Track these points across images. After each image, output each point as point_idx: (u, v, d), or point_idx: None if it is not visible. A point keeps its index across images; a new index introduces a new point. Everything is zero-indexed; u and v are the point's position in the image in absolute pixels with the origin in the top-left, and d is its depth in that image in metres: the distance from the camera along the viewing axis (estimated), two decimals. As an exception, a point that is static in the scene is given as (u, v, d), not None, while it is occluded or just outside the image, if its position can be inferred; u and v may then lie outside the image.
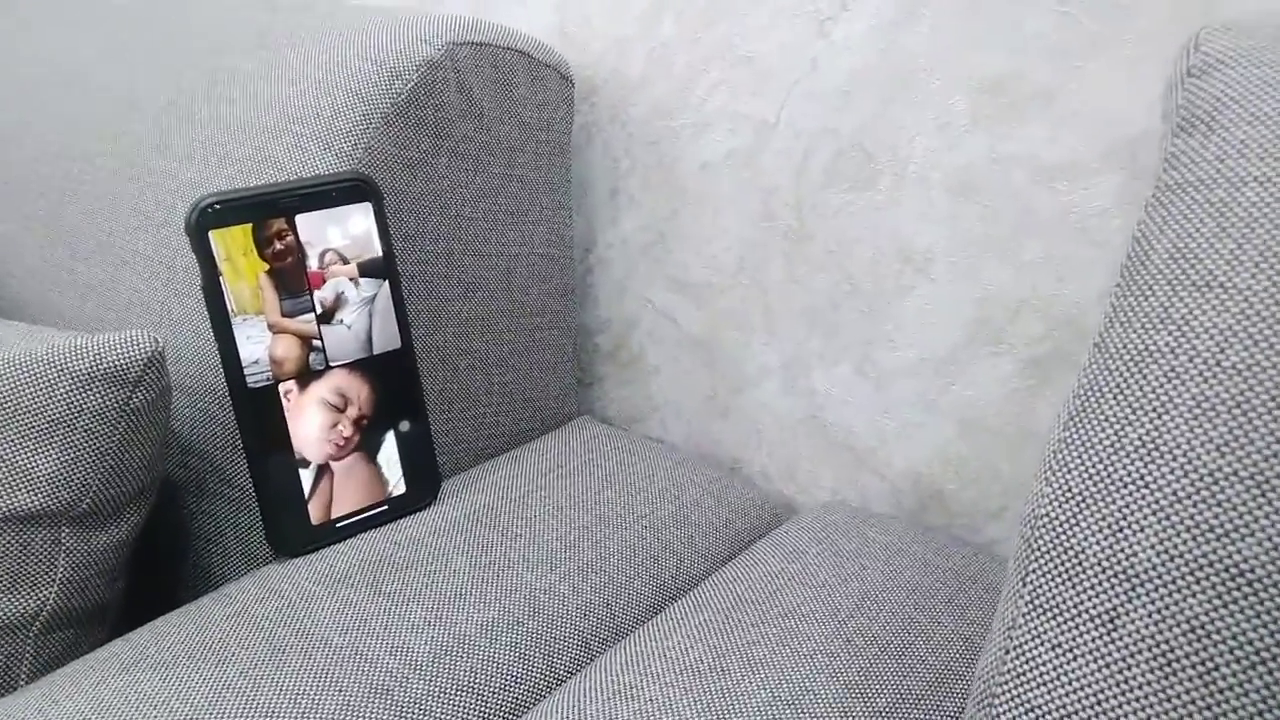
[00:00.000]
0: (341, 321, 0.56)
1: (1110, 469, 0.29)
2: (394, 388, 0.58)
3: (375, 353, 0.58)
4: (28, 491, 0.49)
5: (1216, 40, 0.34)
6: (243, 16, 0.69)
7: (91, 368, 0.48)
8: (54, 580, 0.51)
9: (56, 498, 0.49)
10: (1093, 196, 0.53)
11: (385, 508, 0.59)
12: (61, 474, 0.49)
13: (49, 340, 0.48)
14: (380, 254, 0.57)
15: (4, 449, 0.48)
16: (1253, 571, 0.26)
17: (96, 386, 0.48)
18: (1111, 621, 0.28)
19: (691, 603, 0.52)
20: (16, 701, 0.46)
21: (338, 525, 0.57)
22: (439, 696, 0.48)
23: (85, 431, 0.49)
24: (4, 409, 0.48)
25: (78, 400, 0.48)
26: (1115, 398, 0.30)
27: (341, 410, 0.57)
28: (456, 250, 0.63)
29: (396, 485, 0.59)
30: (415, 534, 0.58)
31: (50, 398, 0.48)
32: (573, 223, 0.74)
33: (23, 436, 0.48)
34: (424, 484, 0.60)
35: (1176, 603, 0.27)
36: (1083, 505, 0.30)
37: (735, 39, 0.64)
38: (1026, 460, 0.59)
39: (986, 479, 0.61)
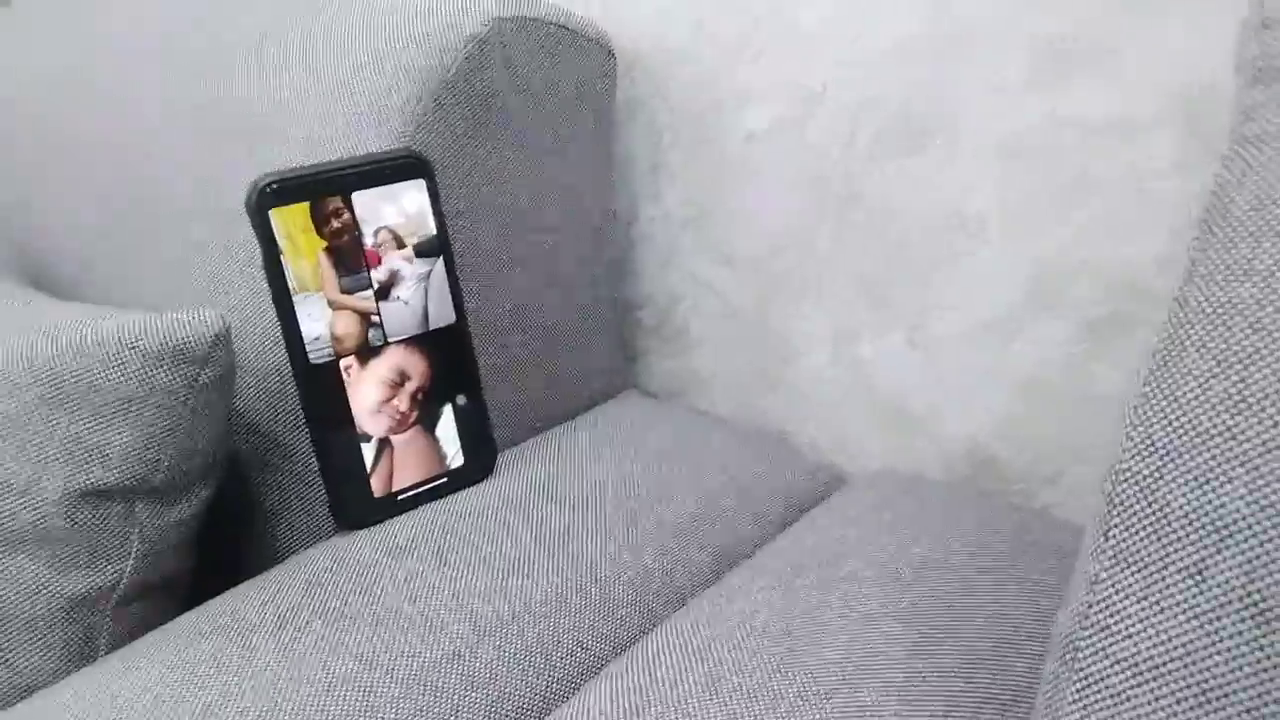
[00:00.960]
0: (398, 298, 0.57)
1: (1195, 422, 0.30)
2: (450, 362, 0.59)
3: (431, 328, 0.58)
4: (103, 468, 0.50)
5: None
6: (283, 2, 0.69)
7: (161, 345, 0.49)
8: (130, 554, 0.52)
9: (130, 473, 0.51)
10: (1151, 156, 0.52)
11: (444, 480, 0.60)
12: (135, 450, 0.50)
13: (119, 319, 0.49)
14: (434, 230, 0.57)
15: (79, 427, 0.49)
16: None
17: (166, 364, 0.49)
18: (1200, 573, 0.29)
19: (753, 568, 0.53)
20: (99, 670, 0.48)
21: (399, 498, 0.58)
22: (508, 662, 0.48)
23: (156, 408, 0.50)
24: (77, 388, 0.49)
25: (149, 378, 0.49)
26: (1199, 351, 0.30)
27: (399, 385, 0.58)
28: (505, 225, 0.64)
29: (454, 458, 0.60)
30: (475, 505, 0.58)
31: (122, 376, 0.49)
32: (616, 196, 0.75)
33: (96, 414, 0.49)
34: (481, 457, 0.61)
35: (1269, 553, 0.27)
36: (1167, 458, 0.30)
37: (780, 6, 0.64)
38: (1084, 424, 0.59)
39: (1042, 444, 0.61)
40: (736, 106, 0.68)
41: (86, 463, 0.50)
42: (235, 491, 0.61)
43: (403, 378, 0.58)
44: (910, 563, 0.51)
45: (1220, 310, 0.30)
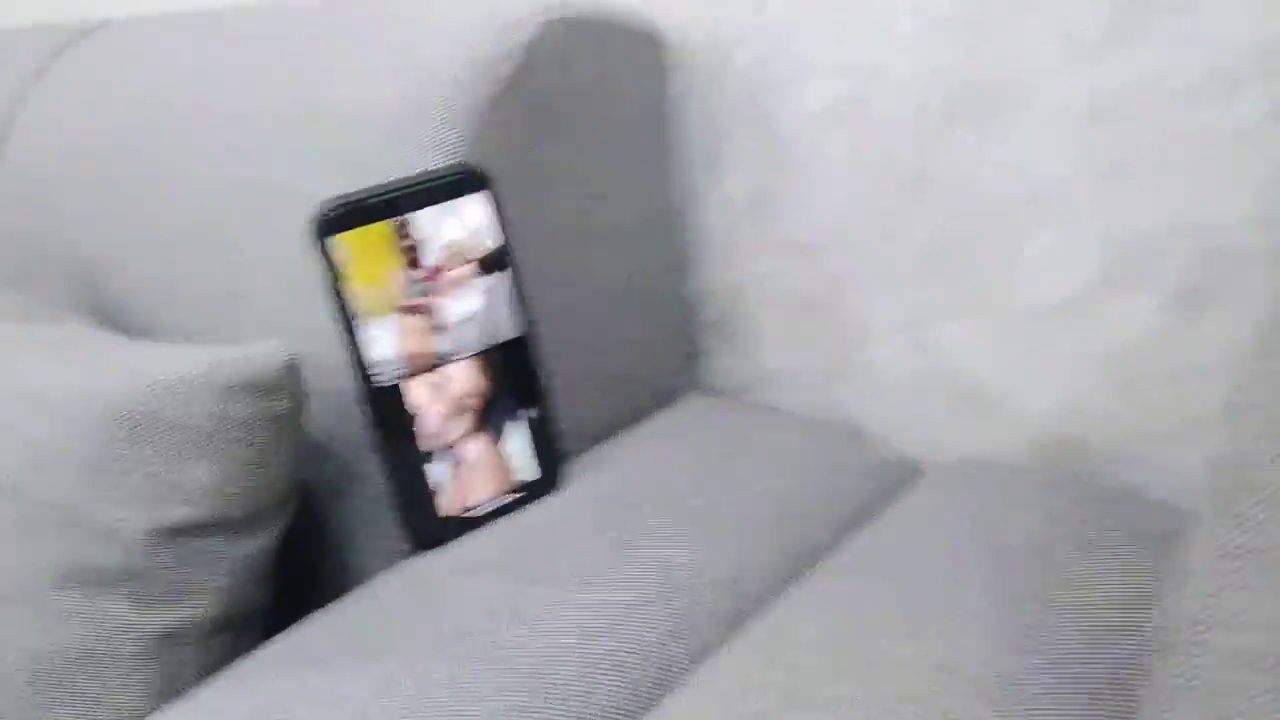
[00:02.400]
0: (463, 314, 0.56)
1: (1312, 403, 0.27)
2: (515, 376, 0.59)
3: (497, 342, 0.58)
4: (181, 505, 0.51)
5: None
6: (325, 20, 0.70)
7: (231, 379, 0.50)
8: (212, 587, 0.53)
9: (209, 508, 0.51)
10: (1237, 113, 0.49)
11: (514, 495, 0.59)
12: (212, 485, 0.51)
13: (189, 355, 0.50)
14: (496, 244, 0.57)
15: (156, 465, 0.50)
16: None
17: (239, 397, 0.50)
18: (1326, 565, 0.27)
19: (828, 571, 0.51)
20: (191, 704, 0.48)
21: (469, 515, 0.58)
22: (589, 677, 0.48)
23: (232, 442, 0.50)
24: (153, 427, 0.50)
25: (224, 412, 0.50)
26: (1312, 325, 0.28)
27: (466, 402, 0.57)
28: (562, 232, 0.63)
29: (522, 472, 0.60)
30: (545, 519, 0.58)
31: (196, 412, 0.50)
32: (673, 190, 0.73)
33: (174, 451, 0.50)
34: (548, 469, 0.61)
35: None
36: (1281, 443, 0.28)
37: (828, -13, 0.62)
38: (1174, 400, 0.56)
39: (1130, 423, 0.58)
40: (794, 86, 0.66)
41: (165, 501, 0.50)
42: (306, 519, 0.62)
43: (469, 395, 0.57)
44: (993, 556, 0.49)
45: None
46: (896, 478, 0.66)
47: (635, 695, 0.48)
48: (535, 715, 0.46)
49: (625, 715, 0.48)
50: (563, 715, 0.46)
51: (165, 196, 0.73)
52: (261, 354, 0.51)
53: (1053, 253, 0.58)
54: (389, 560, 0.60)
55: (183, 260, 0.72)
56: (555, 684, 0.47)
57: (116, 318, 0.77)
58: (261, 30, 0.74)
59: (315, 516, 0.62)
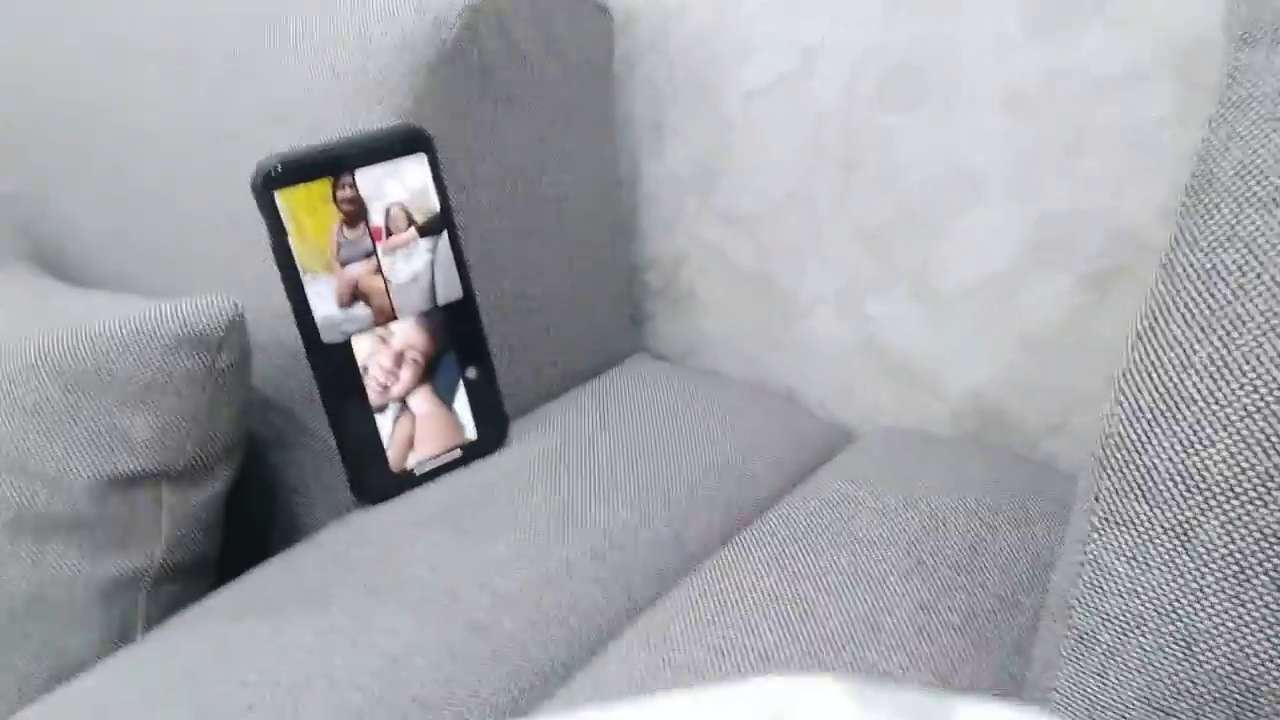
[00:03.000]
0: (406, 274, 0.58)
1: (1180, 387, 0.30)
2: (459, 336, 0.60)
3: (439, 303, 0.59)
4: (128, 454, 0.52)
5: (1281, -54, 0.33)
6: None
7: (178, 333, 0.50)
8: (160, 536, 0.54)
9: (155, 459, 0.52)
10: (1150, 107, 0.52)
11: (459, 452, 0.61)
12: (158, 436, 0.52)
13: (136, 308, 0.51)
14: (438, 205, 0.58)
15: (104, 415, 0.51)
16: (1325, 481, 0.27)
17: (184, 350, 0.51)
18: (1185, 533, 0.30)
19: (762, 530, 0.54)
20: (139, 651, 0.50)
21: (416, 471, 0.60)
22: (530, 630, 0.50)
23: (176, 394, 0.51)
24: (100, 377, 0.50)
25: (168, 365, 0.51)
26: (1183, 318, 0.31)
27: (412, 361, 0.59)
28: (508, 195, 0.64)
29: (469, 430, 0.61)
30: (491, 476, 0.60)
31: (142, 364, 0.50)
32: (618, 158, 0.75)
33: (120, 402, 0.51)
34: (494, 428, 0.63)
35: (1249, 513, 0.28)
36: (1153, 423, 0.31)
37: (775, -35, 0.63)
38: (1087, 375, 0.59)
39: (1046, 395, 0.61)
40: (736, 62, 0.68)
41: (112, 450, 0.51)
42: (255, 471, 0.63)
43: (413, 353, 0.59)
44: (917, 520, 0.52)
45: (1204, 276, 0.30)
46: (830, 443, 0.69)
47: (573, 647, 0.51)
48: (474, 665, 0.48)
49: (563, 666, 0.50)
50: (502, 663, 0.49)
51: (112, 146, 0.73)
52: (207, 307, 0.52)
53: (977, 233, 0.61)
54: (337, 513, 0.61)
55: (130, 211, 0.71)
56: (495, 637, 0.49)
57: (61, 267, 0.76)
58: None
59: (264, 469, 0.63)
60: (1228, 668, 0.29)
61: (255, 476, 0.63)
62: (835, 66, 0.63)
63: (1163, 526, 0.30)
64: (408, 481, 0.59)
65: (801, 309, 0.72)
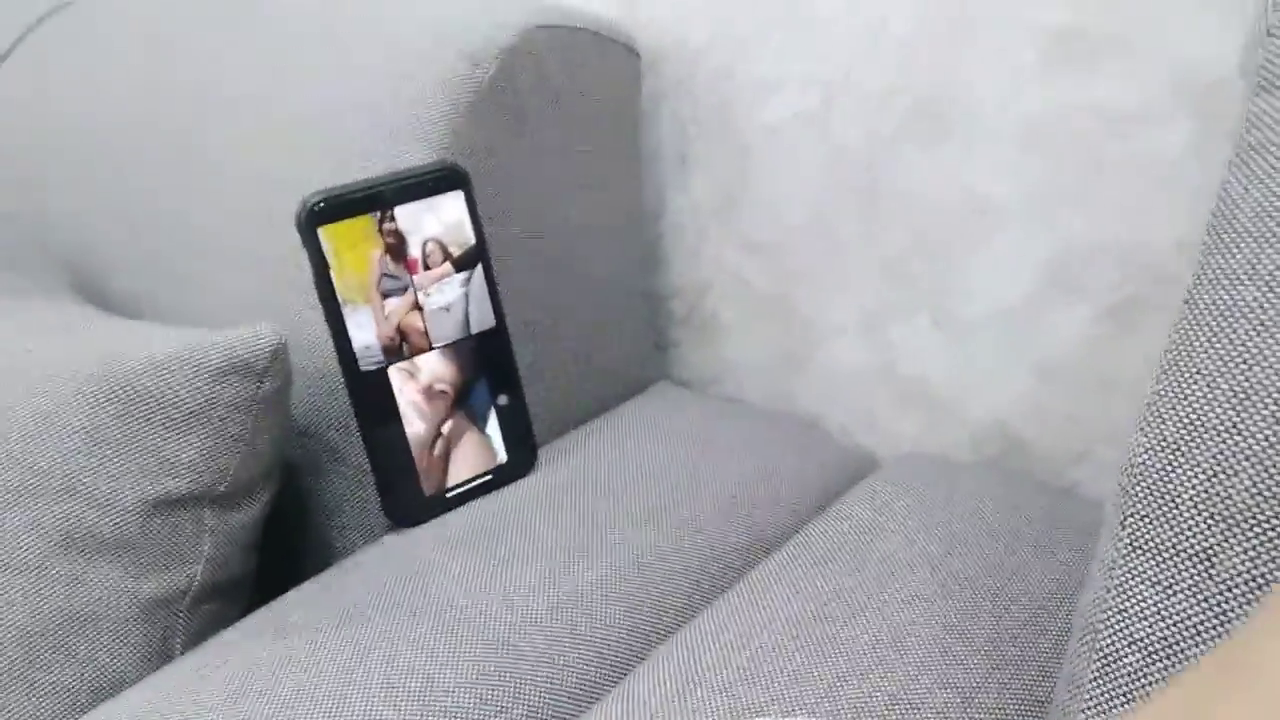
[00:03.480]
0: (441, 305, 0.59)
1: (1204, 418, 0.31)
2: (491, 364, 0.62)
3: (473, 332, 0.61)
4: (174, 478, 0.53)
5: (1296, -4, 0.35)
6: (309, 15, 0.72)
7: (224, 362, 0.52)
8: (200, 557, 0.55)
9: (199, 482, 0.54)
10: (1166, 144, 0.54)
11: (490, 477, 0.63)
12: (202, 460, 0.53)
13: (183, 337, 0.52)
14: (473, 239, 0.60)
15: (151, 440, 0.52)
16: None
17: (229, 379, 0.52)
18: (1209, 559, 0.31)
19: (788, 555, 0.55)
20: (179, 669, 0.51)
21: (448, 495, 0.61)
22: (559, 650, 0.51)
23: (221, 420, 0.53)
24: (148, 403, 0.52)
25: (213, 392, 0.52)
26: (1206, 351, 0.32)
27: (445, 389, 0.60)
28: (539, 228, 0.66)
29: (499, 455, 0.63)
30: (521, 500, 0.61)
31: (189, 391, 0.52)
32: (644, 190, 0.77)
33: (167, 428, 0.52)
34: (523, 453, 0.64)
35: (1272, 540, 0.29)
36: (1178, 453, 0.32)
37: (796, 1, 0.65)
38: (1107, 405, 0.60)
39: (1067, 424, 0.63)
40: (759, 98, 0.70)
41: (159, 474, 0.53)
42: (290, 495, 0.64)
43: (448, 381, 0.60)
44: (941, 544, 0.53)
45: (1226, 312, 0.32)
46: (853, 469, 0.70)
47: (602, 668, 0.52)
48: (505, 685, 0.50)
49: (592, 686, 0.51)
50: (532, 682, 0.50)
51: (148, 180, 0.75)
52: (252, 337, 0.53)
53: (995, 263, 0.62)
54: (370, 536, 0.63)
55: (164, 243, 0.73)
56: (525, 654, 0.51)
57: (96, 297, 0.78)
58: (245, 15, 0.75)
59: (300, 493, 0.64)
60: (1252, 690, 0.30)
61: (290, 500, 0.65)
62: (856, 102, 0.65)
63: (1187, 553, 0.31)
64: (440, 505, 0.61)
65: (824, 336, 0.73)
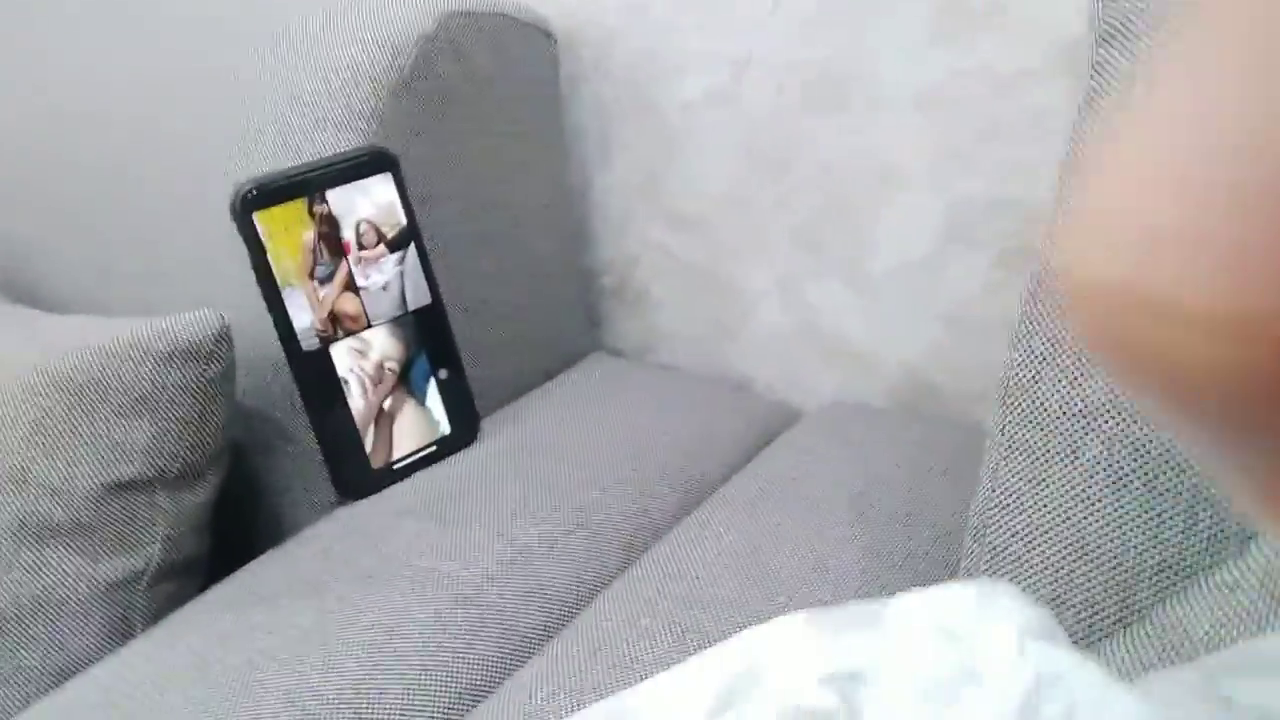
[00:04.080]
0: (378, 284, 0.62)
1: (1064, 334, 0.36)
2: (430, 339, 0.64)
3: (410, 309, 0.63)
4: (126, 462, 0.55)
5: (1130, -42, 0.39)
6: (233, 10, 0.73)
7: (170, 347, 0.54)
8: (156, 538, 0.57)
9: (151, 465, 0.56)
10: (1045, 100, 0.58)
11: (434, 448, 0.65)
12: (153, 444, 0.55)
13: (129, 326, 0.54)
14: (404, 219, 0.62)
15: (102, 426, 0.54)
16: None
17: (176, 363, 0.54)
18: (1073, 453, 0.35)
19: (720, 499, 0.59)
20: (143, 643, 0.53)
21: (394, 467, 0.64)
22: (512, 600, 0.54)
23: (169, 404, 0.55)
24: (98, 390, 0.54)
25: (162, 376, 0.54)
26: (1063, 273, 0.36)
27: (386, 364, 0.63)
28: (468, 208, 0.69)
29: (442, 427, 0.66)
30: (465, 469, 0.64)
31: (137, 377, 0.54)
32: (570, 170, 0.80)
33: (117, 414, 0.54)
34: (465, 424, 0.67)
35: (1124, 431, 0.34)
36: (1044, 364, 0.36)
37: (705, -16, 0.69)
38: (1004, 345, 0.65)
39: (972, 366, 0.67)
40: (674, 78, 0.73)
41: (111, 459, 0.55)
42: (241, 475, 0.66)
43: (388, 357, 0.63)
44: (859, 481, 0.58)
45: (1078, 238, 0.36)
46: (779, 422, 0.74)
47: (552, 613, 0.55)
48: (463, 634, 0.53)
49: (544, 632, 0.55)
50: (489, 630, 0.53)
51: (83, 177, 0.76)
52: (196, 323, 0.55)
53: (901, 222, 0.67)
54: (319, 512, 0.65)
55: (102, 239, 0.74)
56: (481, 605, 0.54)
57: (37, 301, 0.79)
58: (175, 10, 0.76)
59: (250, 473, 0.66)
60: (1113, 562, 0.34)
61: (241, 480, 0.67)
62: (762, 77, 0.69)
63: (1055, 449, 0.36)
64: (387, 477, 0.63)
65: (747, 301, 0.77)
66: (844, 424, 0.65)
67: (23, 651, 0.54)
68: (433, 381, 0.65)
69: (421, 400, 0.65)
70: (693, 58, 0.72)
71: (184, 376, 0.55)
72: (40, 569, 0.54)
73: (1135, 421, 0.34)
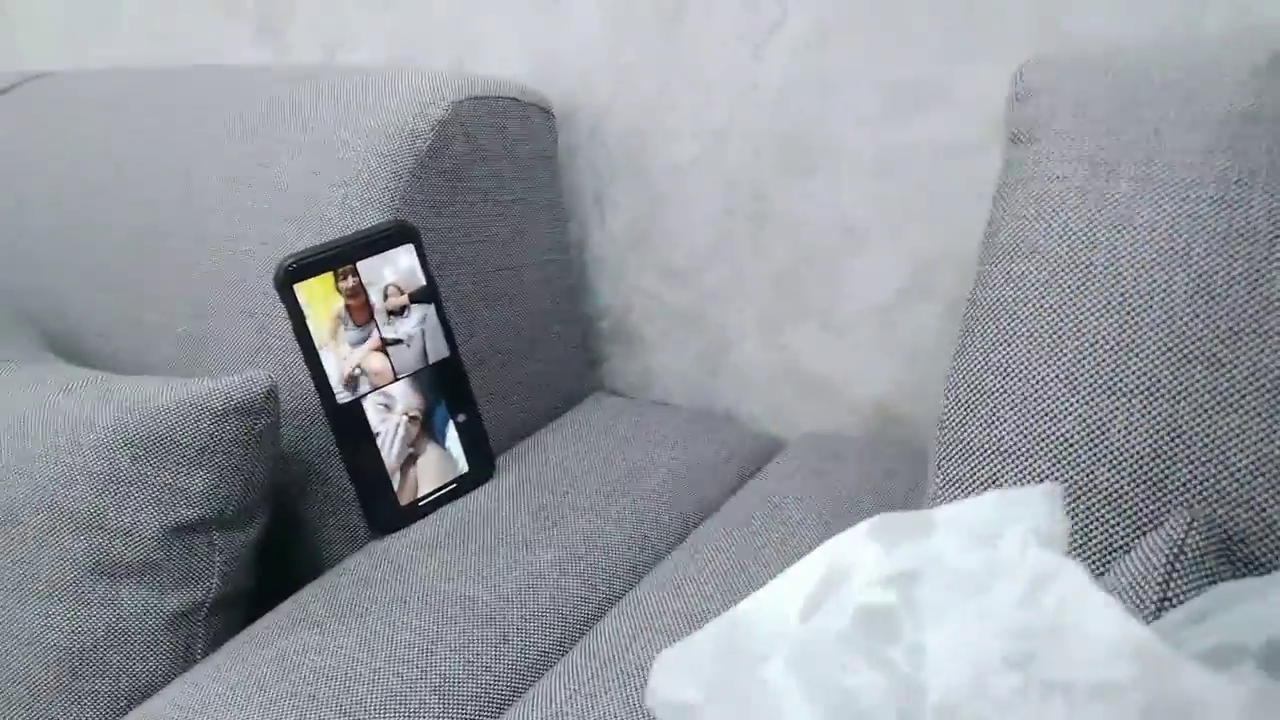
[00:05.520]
0: (402, 341, 0.70)
1: (982, 383, 0.44)
2: (449, 388, 0.72)
3: (430, 362, 0.71)
4: (187, 507, 0.63)
5: (1035, 72, 0.48)
6: (263, 93, 0.81)
7: (224, 405, 0.62)
8: (214, 573, 0.65)
9: (208, 509, 0.63)
10: (984, 169, 0.67)
11: (455, 485, 0.73)
12: (210, 490, 0.63)
13: (189, 386, 0.62)
14: (424, 283, 0.70)
15: (165, 476, 0.62)
16: (1073, 437, 0.41)
17: (230, 419, 0.62)
18: (993, 484, 0.43)
19: (711, 526, 0.67)
20: (207, 668, 0.60)
21: (420, 504, 0.71)
22: (529, 620, 0.62)
23: (225, 454, 0.63)
24: (162, 444, 0.61)
25: (217, 431, 0.62)
26: (980, 336, 0.44)
27: (411, 412, 0.71)
28: (479, 269, 0.77)
29: (461, 465, 0.73)
30: (484, 503, 0.72)
31: (196, 432, 0.62)
32: (569, 228, 0.88)
33: (179, 464, 0.62)
34: (482, 463, 0.74)
35: (1030, 465, 0.42)
36: (968, 409, 0.44)
37: (685, 64, 0.77)
38: (960, 380, 0.74)
39: (931, 398, 0.75)
40: (662, 144, 0.82)
41: (174, 504, 0.62)
42: (281, 513, 0.74)
43: (412, 404, 0.71)
44: (830, 504, 0.65)
45: (992, 307, 0.44)
46: (763, 452, 0.82)
47: (567, 629, 0.63)
48: (488, 650, 0.60)
49: (559, 646, 0.62)
50: (511, 647, 0.60)
51: (120, 247, 0.84)
52: (248, 382, 0.63)
53: (864, 273, 0.75)
54: (352, 545, 0.73)
55: (138, 300, 0.82)
56: (503, 625, 0.61)
57: (70, 358, 0.86)
58: (213, 94, 0.85)
59: (290, 512, 0.74)
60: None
61: (282, 518, 0.74)
62: (740, 144, 0.77)
63: (979, 480, 0.44)
64: (414, 513, 0.71)
65: (732, 342, 0.86)
66: (817, 455, 0.73)
67: (99, 679, 0.61)
68: (452, 425, 0.73)
69: (442, 442, 0.72)
70: (679, 127, 0.80)
71: (237, 430, 0.63)
72: (113, 603, 0.62)
73: (1040, 458, 0.42)
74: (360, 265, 0.68)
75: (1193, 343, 0.38)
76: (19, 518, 0.62)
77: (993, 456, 0.43)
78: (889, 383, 0.77)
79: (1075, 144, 0.44)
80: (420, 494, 0.71)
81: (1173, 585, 0.34)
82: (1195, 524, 0.35)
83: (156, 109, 0.88)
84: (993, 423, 0.43)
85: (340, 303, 0.67)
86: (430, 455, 0.72)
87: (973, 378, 0.44)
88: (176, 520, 0.63)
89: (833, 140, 0.73)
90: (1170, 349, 0.39)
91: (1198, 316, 0.39)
